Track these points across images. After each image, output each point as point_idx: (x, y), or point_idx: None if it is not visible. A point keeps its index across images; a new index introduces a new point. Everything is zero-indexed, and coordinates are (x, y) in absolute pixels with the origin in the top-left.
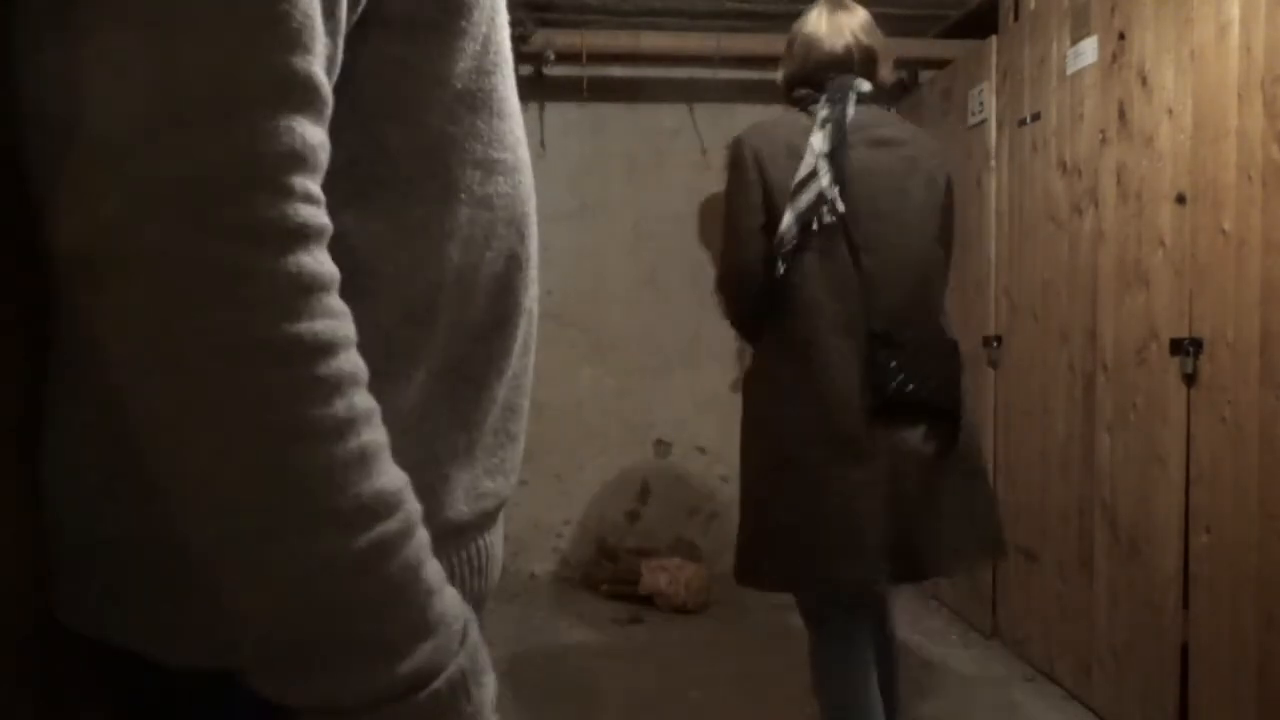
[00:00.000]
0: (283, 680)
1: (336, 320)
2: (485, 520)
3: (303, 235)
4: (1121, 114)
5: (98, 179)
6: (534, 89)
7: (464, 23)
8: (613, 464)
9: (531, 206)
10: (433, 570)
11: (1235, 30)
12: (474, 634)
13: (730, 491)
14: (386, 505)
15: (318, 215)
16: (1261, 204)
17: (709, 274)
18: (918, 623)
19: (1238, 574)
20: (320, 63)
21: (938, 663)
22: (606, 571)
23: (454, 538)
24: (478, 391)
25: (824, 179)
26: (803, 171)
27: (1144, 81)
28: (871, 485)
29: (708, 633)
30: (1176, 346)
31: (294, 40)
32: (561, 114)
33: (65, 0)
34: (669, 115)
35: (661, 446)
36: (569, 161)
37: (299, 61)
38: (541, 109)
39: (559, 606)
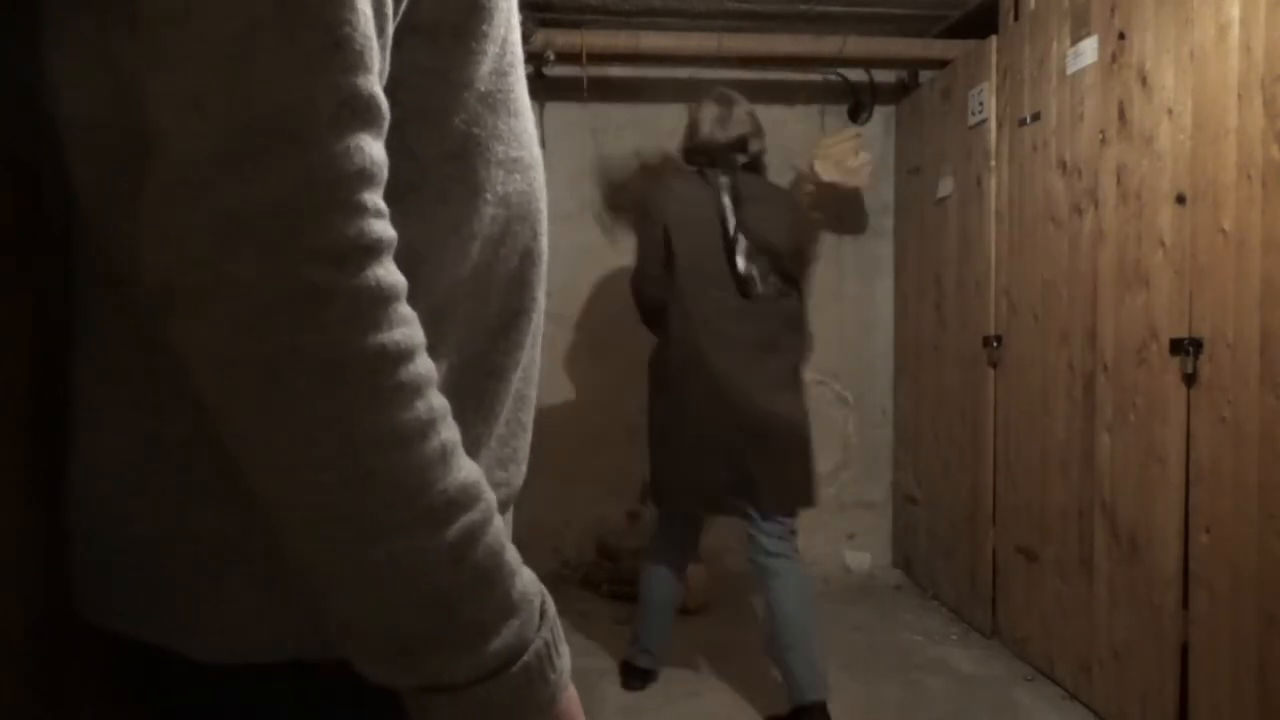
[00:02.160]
0: (391, 667)
1: (410, 327)
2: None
3: (377, 250)
4: (1121, 114)
5: (180, 211)
6: (534, 89)
7: (486, 26)
8: (613, 464)
9: (544, 203)
10: (512, 553)
11: (1235, 30)
12: (551, 608)
13: None
14: (469, 496)
15: (387, 228)
16: (1261, 204)
17: None
18: (918, 622)
19: (1238, 574)
20: (378, 80)
21: (938, 662)
22: (606, 571)
23: None
24: (496, 384)
25: (732, 226)
26: (730, 226)
27: (1144, 81)
28: (711, 448)
29: (708, 633)
30: (1176, 346)
31: (357, 62)
32: (561, 114)
33: (119, 33)
34: (669, 115)
35: None
36: (569, 161)
37: (362, 81)
38: (541, 109)
39: (559, 606)
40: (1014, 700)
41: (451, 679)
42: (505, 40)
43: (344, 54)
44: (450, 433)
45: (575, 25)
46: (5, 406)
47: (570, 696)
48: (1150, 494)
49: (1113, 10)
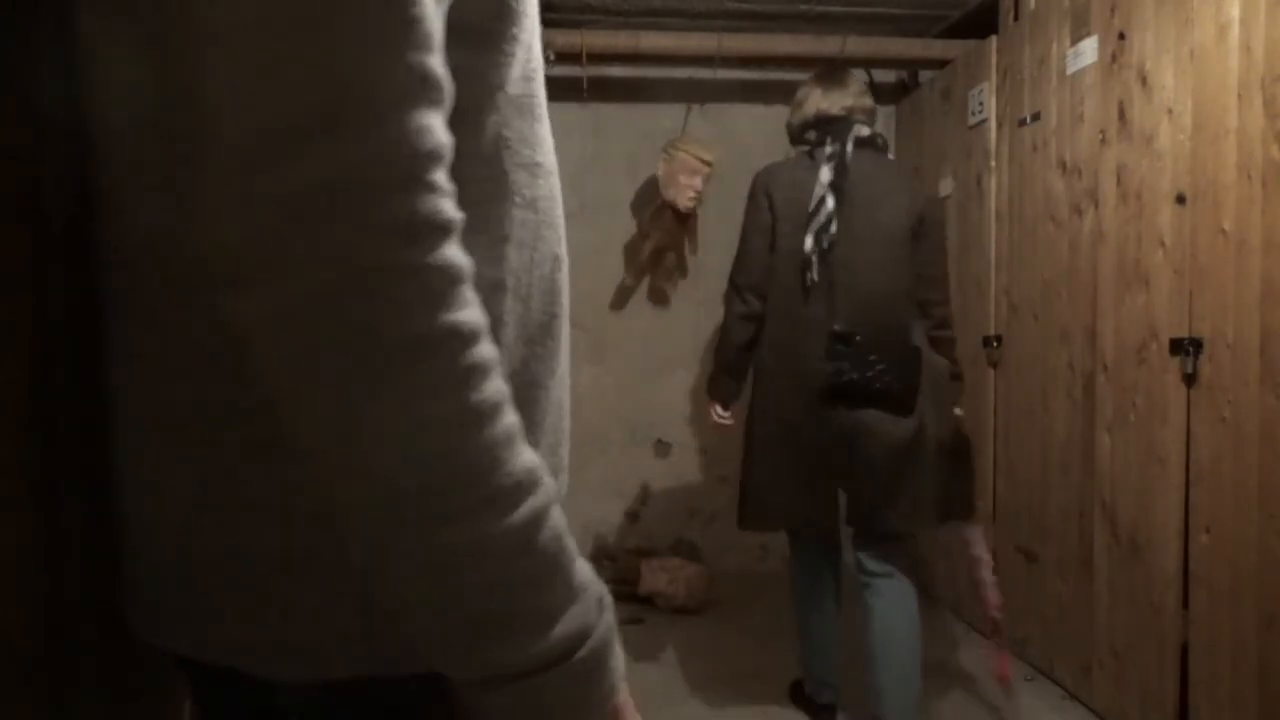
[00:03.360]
0: (459, 656)
1: (478, 309)
2: None
3: (449, 229)
4: (1121, 114)
5: (249, 183)
6: None
7: (515, 30)
8: (613, 464)
9: (562, 209)
10: (570, 540)
11: (1235, 30)
12: (608, 598)
13: (730, 492)
14: (533, 480)
15: (456, 209)
16: (1261, 204)
17: (708, 274)
18: None
19: (1238, 574)
20: (443, 62)
21: (938, 663)
22: (606, 572)
23: None
24: (538, 392)
25: (829, 204)
26: (814, 200)
27: (1144, 81)
28: (826, 451)
29: (708, 633)
30: (1176, 346)
31: (426, 41)
32: (561, 114)
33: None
34: (669, 115)
35: (661, 446)
36: (569, 161)
37: (431, 61)
38: None
39: None
40: (1014, 701)
41: (517, 666)
42: (530, 46)
43: (416, 32)
44: (514, 417)
45: (575, 25)
46: (5, 407)
47: (625, 688)
48: (1150, 494)
49: (1113, 10)
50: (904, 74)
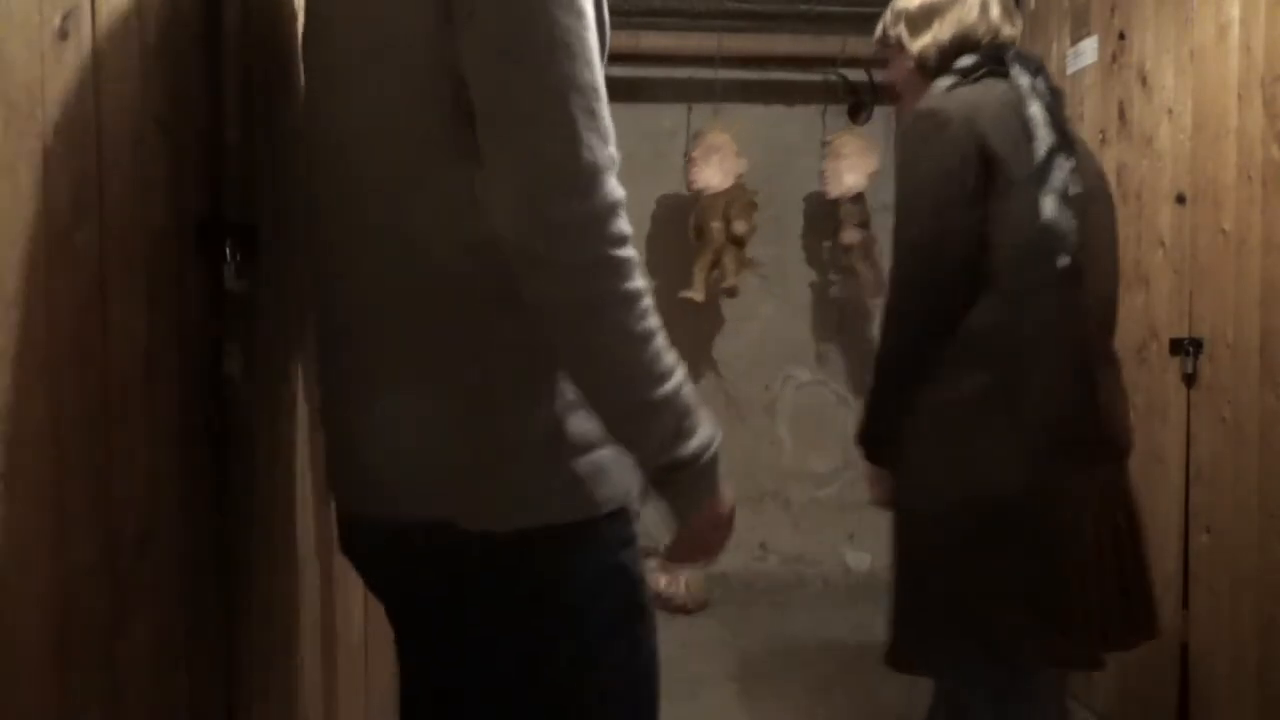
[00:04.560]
0: (655, 453)
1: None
2: None
3: (630, 241)
4: (1121, 114)
5: (538, 211)
6: None
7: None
8: None
9: None
10: (696, 401)
11: (1235, 30)
12: (717, 435)
13: (732, 493)
14: (676, 369)
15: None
16: (1261, 204)
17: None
18: None
19: (1238, 574)
20: None
21: None
22: None
23: None
24: None
25: (1063, 153)
26: (1042, 148)
27: (1144, 81)
28: (1088, 533)
29: (708, 633)
30: (1176, 346)
31: (612, 139)
32: None
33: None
34: (669, 115)
35: None
36: None
37: (615, 151)
38: None
39: None
40: None
41: (681, 457)
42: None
43: (610, 133)
44: (665, 337)
45: None
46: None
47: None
48: (1150, 494)
49: (1113, 10)
50: None
